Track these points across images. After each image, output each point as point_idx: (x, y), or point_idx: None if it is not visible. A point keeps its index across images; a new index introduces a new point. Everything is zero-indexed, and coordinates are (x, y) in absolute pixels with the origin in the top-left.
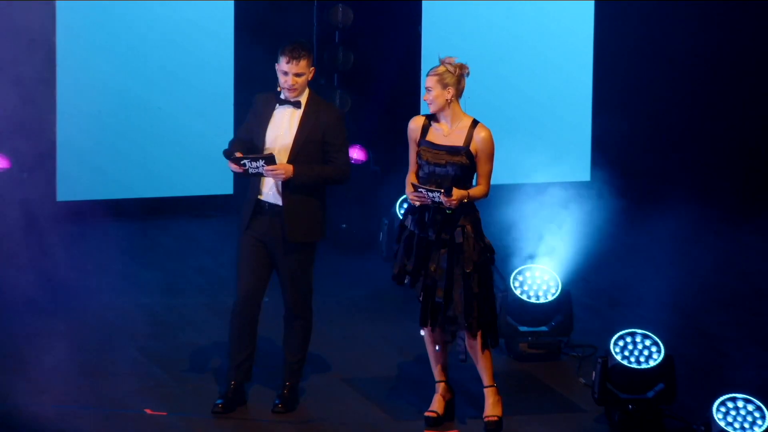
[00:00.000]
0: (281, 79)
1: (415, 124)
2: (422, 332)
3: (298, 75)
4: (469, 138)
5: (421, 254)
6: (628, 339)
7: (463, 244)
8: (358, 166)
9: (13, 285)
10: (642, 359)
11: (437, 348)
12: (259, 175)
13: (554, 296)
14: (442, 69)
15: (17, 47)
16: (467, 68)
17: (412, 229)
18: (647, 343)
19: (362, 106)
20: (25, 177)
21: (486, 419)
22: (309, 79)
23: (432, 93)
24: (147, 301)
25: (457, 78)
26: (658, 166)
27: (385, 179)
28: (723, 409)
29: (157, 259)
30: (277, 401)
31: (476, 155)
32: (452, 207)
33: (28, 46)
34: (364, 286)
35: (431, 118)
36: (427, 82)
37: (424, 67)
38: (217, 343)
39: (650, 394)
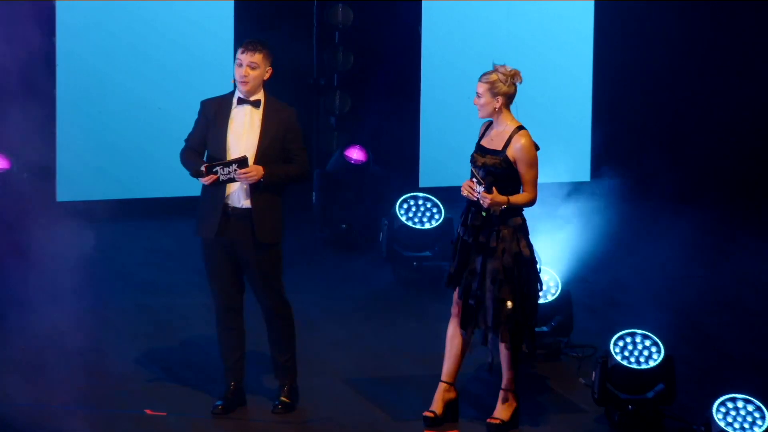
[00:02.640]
0: (237, 72)
1: (482, 127)
2: (450, 326)
3: (251, 66)
4: (507, 144)
5: (463, 257)
6: (628, 339)
7: (496, 248)
8: (358, 166)
9: (12, 285)
10: (642, 359)
11: (455, 347)
12: (231, 181)
13: (554, 296)
14: (494, 77)
15: (17, 48)
16: (520, 76)
17: (459, 231)
18: (647, 343)
19: (362, 106)
20: (25, 177)
21: (488, 420)
22: (265, 78)
23: (481, 99)
24: (147, 301)
25: (509, 86)
26: (657, 166)
27: (385, 179)
28: (723, 410)
29: (157, 259)
30: (276, 402)
31: (515, 162)
32: (489, 207)
33: (28, 46)
34: (364, 286)
35: (492, 122)
36: (478, 87)
37: (424, 67)
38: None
39: (650, 394)
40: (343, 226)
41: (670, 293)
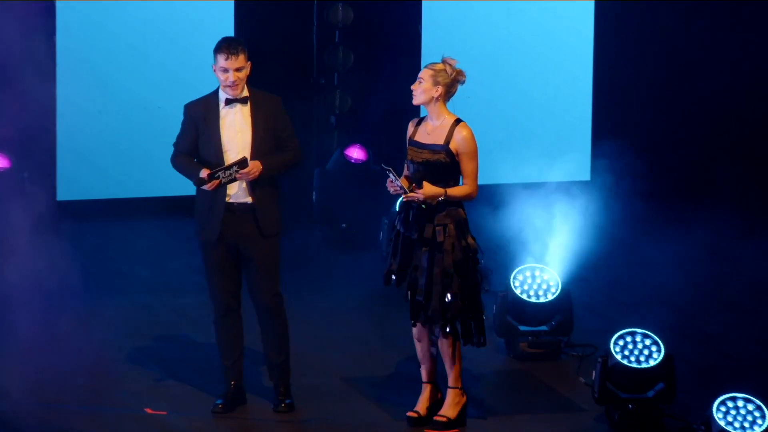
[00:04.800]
0: (222, 77)
1: (411, 125)
2: (414, 331)
3: (238, 70)
4: (449, 136)
5: (406, 253)
6: (628, 338)
7: (444, 243)
8: (358, 166)
9: (12, 285)
10: (642, 359)
11: (425, 347)
12: (233, 181)
13: (554, 296)
14: (440, 66)
15: (17, 47)
16: (464, 76)
17: (399, 228)
18: (647, 342)
19: (362, 106)
20: (25, 177)
21: (434, 418)
22: (248, 74)
23: (421, 85)
24: (147, 300)
25: (451, 81)
26: (658, 166)
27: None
28: (723, 409)
29: (158, 259)
30: (277, 401)
31: (457, 154)
32: (426, 202)
33: (28, 46)
34: (364, 286)
35: (423, 119)
36: (422, 73)
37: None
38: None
39: (650, 393)
40: (343, 225)
41: (670, 293)
